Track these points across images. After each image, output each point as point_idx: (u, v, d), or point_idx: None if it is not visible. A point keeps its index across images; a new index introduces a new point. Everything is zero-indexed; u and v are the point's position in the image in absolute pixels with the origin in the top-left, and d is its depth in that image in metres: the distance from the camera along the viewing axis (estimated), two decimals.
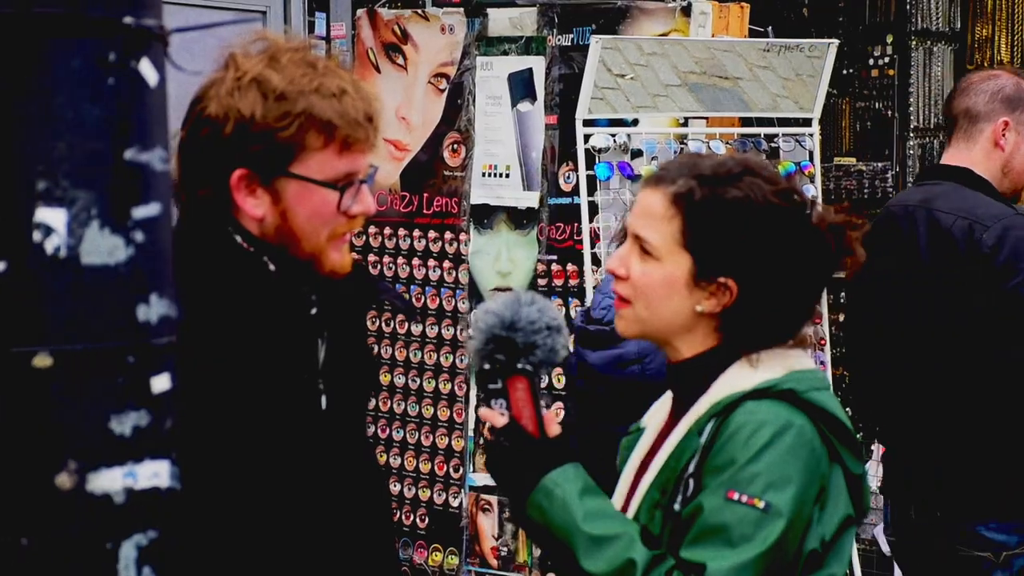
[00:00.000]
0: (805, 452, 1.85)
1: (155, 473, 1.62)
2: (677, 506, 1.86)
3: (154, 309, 1.65)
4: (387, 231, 5.02)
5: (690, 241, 1.91)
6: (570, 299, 4.52)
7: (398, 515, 4.97)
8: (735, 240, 1.90)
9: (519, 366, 1.93)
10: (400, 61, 4.98)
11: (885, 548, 4.66)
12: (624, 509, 1.98)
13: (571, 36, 4.60)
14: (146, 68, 1.64)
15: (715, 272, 1.90)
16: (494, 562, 4.80)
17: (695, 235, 1.91)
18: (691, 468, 1.87)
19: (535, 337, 1.94)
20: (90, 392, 1.59)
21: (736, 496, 1.81)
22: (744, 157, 2.02)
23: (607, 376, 2.96)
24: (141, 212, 1.65)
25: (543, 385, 4.43)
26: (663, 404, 2.07)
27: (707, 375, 1.93)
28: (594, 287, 3.68)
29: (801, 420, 1.86)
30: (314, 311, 1.96)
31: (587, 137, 4.16)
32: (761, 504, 1.80)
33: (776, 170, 2.00)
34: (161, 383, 1.65)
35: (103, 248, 1.60)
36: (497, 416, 1.94)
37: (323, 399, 1.97)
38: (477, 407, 4.77)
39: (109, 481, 1.58)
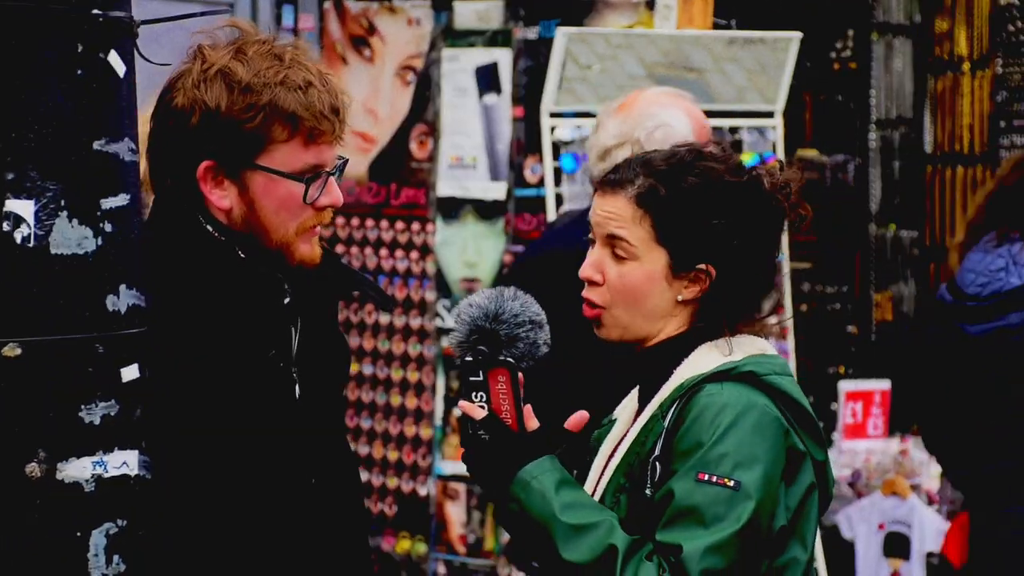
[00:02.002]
0: (770, 430, 1.87)
1: (124, 462, 1.63)
2: (648, 491, 1.88)
3: (123, 299, 1.66)
4: (355, 222, 5.04)
5: (663, 237, 1.94)
6: None
7: (366, 503, 4.98)
8: (705, 226, 1.94)
9: (501, 358, 1.94)
10: (367, 53, 4.99)
11: (847, 534, 4.72)
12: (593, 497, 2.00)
13: (537, 29, 4.62)
14: (114, 60, 1.65)
15: (692, 261, 1.94)
16: (461, 549, 4.83)
17: (667, 230, 1.94)
18: (657, 451, 1.90)
19: (518, 330, 1.95)
20: (59, 382, 1.61)
21: (706, 477, 1.83)
22: (689, 143, 2.05)
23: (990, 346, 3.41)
24: (110, 203, 1.66)
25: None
26: (634, 396, 2.09)
27: (671, 361, 1.96)
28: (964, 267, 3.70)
29: (763, 400, 1.89)
30: (287, 300, 1.97)
31: (553, 129, 4.18)
32: (731, 483, 1.82)
33: (721, 147, 2.03)
34: (130, 373, 1.66)
35: (72, 239, 1.61)
36: (476, 409, 1.94)
37: (296, 387, 1.98)
38: (447, 396, 4.82)
39: (79, 470, 1.59)
